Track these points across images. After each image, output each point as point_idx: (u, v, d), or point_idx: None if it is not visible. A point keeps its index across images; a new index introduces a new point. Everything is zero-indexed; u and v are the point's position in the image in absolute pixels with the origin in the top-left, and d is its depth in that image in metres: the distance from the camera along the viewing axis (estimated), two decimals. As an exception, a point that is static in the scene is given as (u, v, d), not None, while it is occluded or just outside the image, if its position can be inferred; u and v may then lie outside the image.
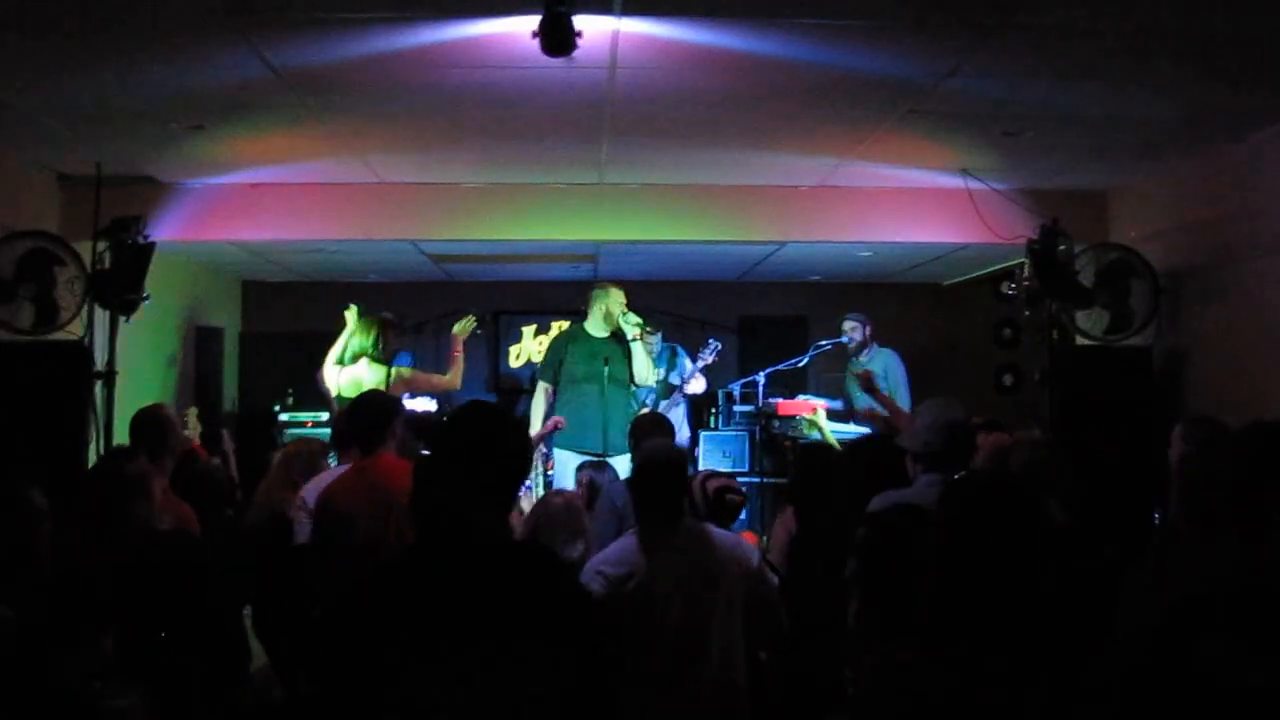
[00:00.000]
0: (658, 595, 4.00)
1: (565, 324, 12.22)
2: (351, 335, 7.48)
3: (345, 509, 4.87)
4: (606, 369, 7.75)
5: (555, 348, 8.23)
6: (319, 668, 2.68)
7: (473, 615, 2.49)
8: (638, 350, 7.86)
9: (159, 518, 4.64)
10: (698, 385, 9.56)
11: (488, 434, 2.70)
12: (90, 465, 6.40)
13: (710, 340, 9.40)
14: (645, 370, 7.95)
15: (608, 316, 7.95)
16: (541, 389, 8.10)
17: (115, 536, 4.25)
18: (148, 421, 5.60)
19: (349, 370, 7.34)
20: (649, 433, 5.72)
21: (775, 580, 4.46)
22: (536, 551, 3.22)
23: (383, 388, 7.16)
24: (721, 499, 5.12)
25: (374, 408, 5.33)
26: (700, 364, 9.33)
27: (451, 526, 2.59)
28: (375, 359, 7.33)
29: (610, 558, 4.12)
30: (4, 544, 3.67)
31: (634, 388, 8.15)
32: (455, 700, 2.41)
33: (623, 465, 6.63)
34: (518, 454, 2.81)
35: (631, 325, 7.81)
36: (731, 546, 4.28)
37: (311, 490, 5.41)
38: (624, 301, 7.99)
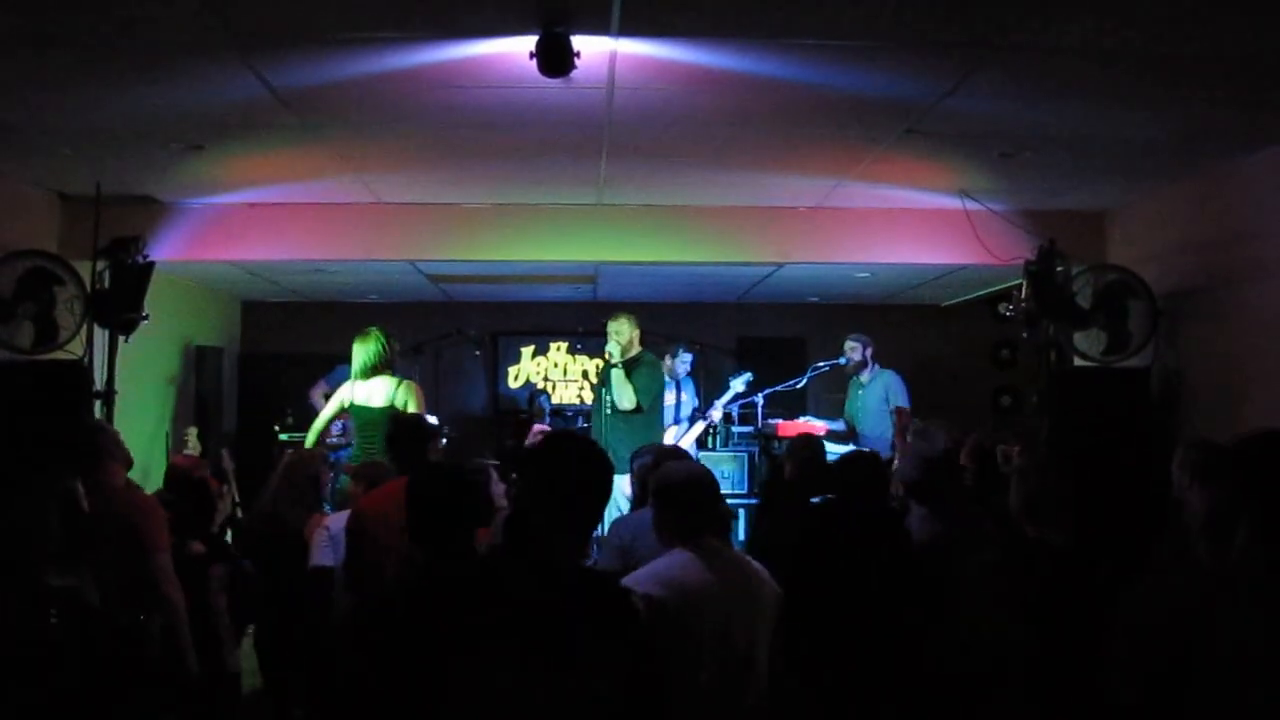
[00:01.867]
0: (712, 612, 3.97)
1: (564, 345, 12.46)
2: (356, 353, 7.48)
3: (382, 525, 4.87)
4: (604, 394, 8.31)
5: None
6: (353, 681, 2.71)
7: (537, 634, 2.55)
8: (614, 376, 8.18)
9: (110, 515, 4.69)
10: (718, 414, 9.65)
11: (586, 466, 2.89)
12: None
13: (742, 371, 9.53)
14: (620, 396, 8.19)
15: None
16: None
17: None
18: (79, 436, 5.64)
19: (361, 384, 7.35)
20: (669, 456, 5.68)
21: None
22: (601, 576, 3.30)
23: (391, 396, 7.19)
24: None
25: (412, 428, 5.42)
26: (731, 393, 9.43)
27: (537, 550, 2.70)
28: (380, 371, 7.34)
29: (653, 573, 4.03)
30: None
31: (633, 413, 8.21)
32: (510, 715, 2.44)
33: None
34: (603, 487, 2.97)
35: (606, 353, 8.24)
36: (763, 572, 4.29)
37: (336, 523, 5.48)
38: (612, 330, 8.35)
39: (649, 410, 8.30)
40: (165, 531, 5.02)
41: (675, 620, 3.84)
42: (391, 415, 6.72)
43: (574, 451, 2.94)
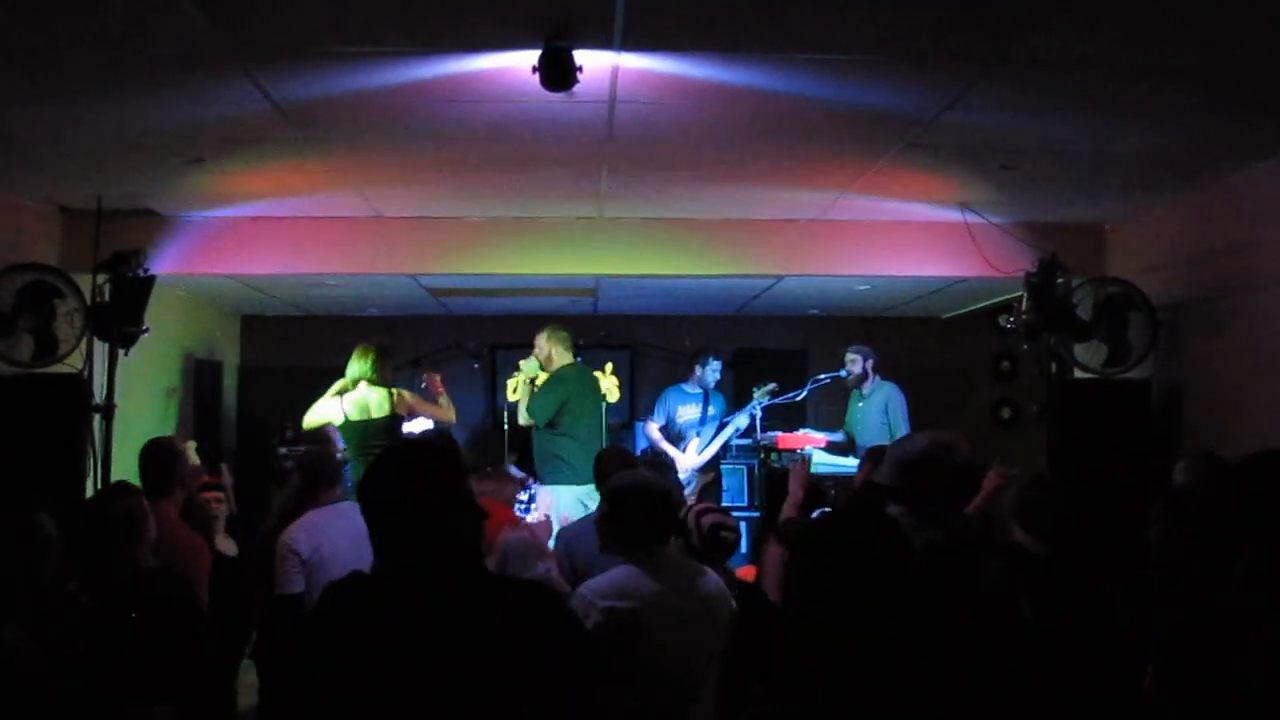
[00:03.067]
0: (657, 627, 3.95)
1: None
2: (350, 364, 7.53)
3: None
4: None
5: None
6: (277, 692, 2.68)
7: (443, 641, 2.49)
8: (521, 391, 8.37)
9: (162, 550, 4.60)
10: (744, 420, 9.73)
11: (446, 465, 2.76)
12: (86, 500, 6.41)
13: (769, 383, 9.59)
14: (522, 411, 8.33)
15: None
16: None
17: (100, 577, 4.21)
18: (148, 456, 5.59)
19: (351, 396, 7.38)
20: (618, 466, 5.67)
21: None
22: (513, 581, 3.21)
23: (386, 407, 7.23)
24: (716, 535, 5.02)
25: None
26: (755, 406, 9.47)
27: (430, 553, 2.61)
28: (374, 382, 7.40)
29: (605, 587, 4.03)
30: (11, 569, 3.64)
31: (548, 428, 8.22)
32: None
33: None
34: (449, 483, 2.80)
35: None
36: (716, 582, 4.26)
37: (304, 542, 5.30)
38: (537, 346, 8.45)
39: (562, 426, 8.21)
40: (205, 578, 5.02)
41: (633, 631, 3.83)
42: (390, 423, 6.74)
43: (402, 461, 2.81)
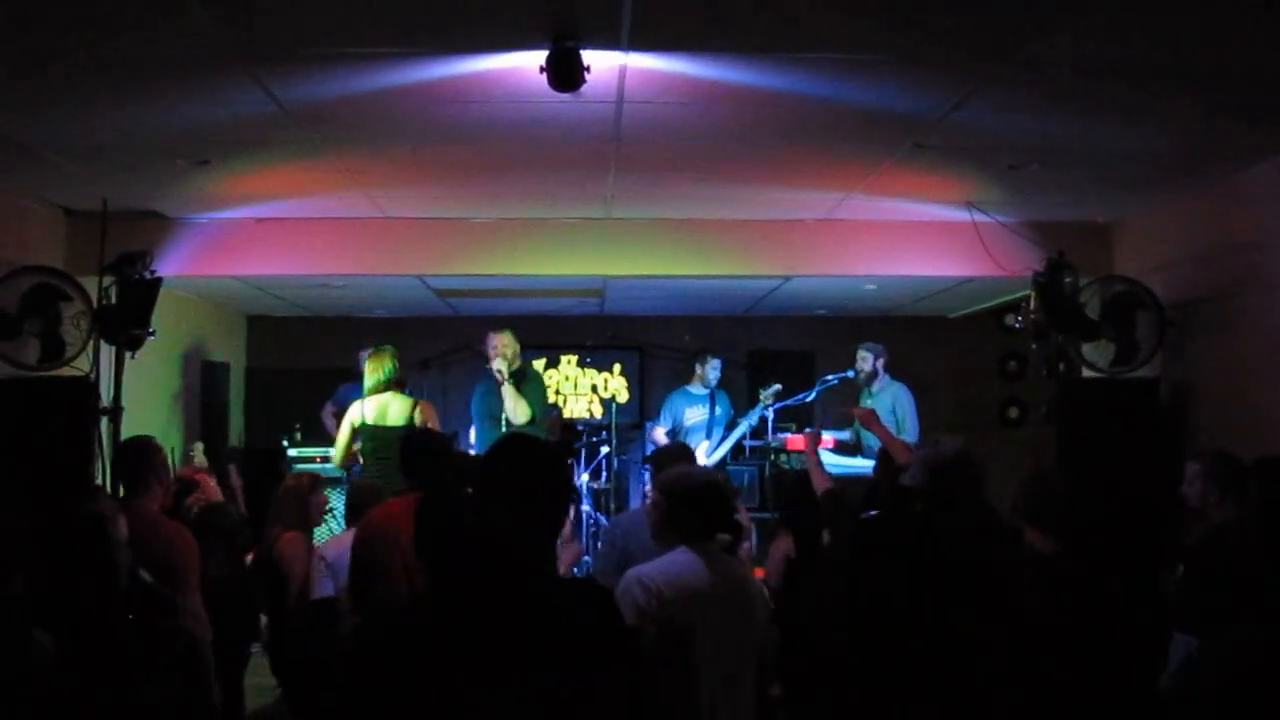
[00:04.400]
0: (711, 612, 3.95)
1: (574, 358, 12.44)
2: (367, 370, 7.50)
3: (392, 543, 4.86)
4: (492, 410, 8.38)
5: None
6: (349, 706, 2.65)
7: (522, 649, 2.48)
8: (505, 392, 8.18)
9: (144, 545, 4.56)
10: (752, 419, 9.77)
11: (532, 466, 2.73)
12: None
13: (770, 384, 9.61)
14: (511, 409, 8.19)
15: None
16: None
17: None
18: (118, 457, 5.60)
19: (373, 400, 7.36)
20: (676, 460, 5.66)
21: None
22: (582, 584, 3.22)
23: (405, 417, 7.21)
24: None
25: (427, 446, 5.41)
26: (762, 409, 9.46)
27: (499, 561, 2.60)
28: (395, 386, 7.37)
29: (667, 570, 3.99)
30: None
31: (527, 425, 8.19)
32: None
33: None
34: (562, 485, 2.88)
35: (495, 372, 8.23)
36: (756, 581, 4.29)
37: (331, 550, 5.53)
38: (495, 346, 8.32)
39: (541, 420, 8.38)
40: (197, 566, 5.00)
41: (673, 614, 3.82)
42: (404, 434, 6.70)
43: (525, 453, 2.81)
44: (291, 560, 5.74)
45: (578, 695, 2.47)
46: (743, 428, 9.68)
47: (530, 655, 2.48)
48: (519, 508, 2.65)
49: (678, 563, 4.01)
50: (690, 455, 6.25)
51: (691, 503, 4.16)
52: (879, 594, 3.59)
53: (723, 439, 9.63)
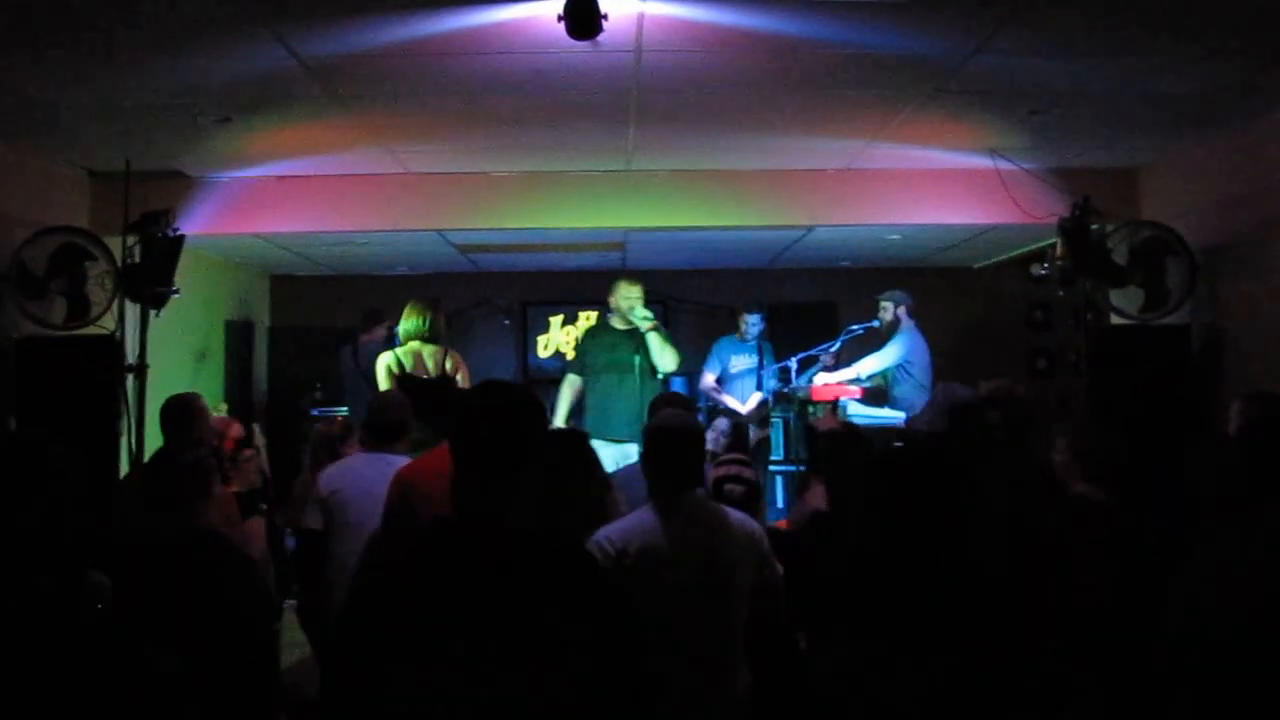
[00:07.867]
0: (665, 565, 3.89)
1: (593, 315, 12.33)
2: (402, 321, 7.43)
3: (426, 500, 4.85)
4: (635, 358, 8.03)
5: (580, 341, 8.69)
6: (334, 653, 2.65)
7: (492, 598, 2.46)
8: (653, 340, 8.03)
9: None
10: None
11: (500, 411, 2.67)
12: (138, 457, 6.57)
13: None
14: (662, 358, 8.05)
15: (618, 310, 8.21)
16: (568, 381, 8.43)
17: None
18: (165, 412, 5.66)
19: (405, 349, 7.32)
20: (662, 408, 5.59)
21: (780, 569, 4.29)
22: (557, 536, 3.16)
23: (436, 364, 7.15)
24: (719, 489, 4.88)
25: (438, 392, 5.39)
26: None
27: (471, 510, 2.58)
28: (428, 339, 7.27)
29: (616, 529, 3.95)
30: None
31: (658, 376, 8.19)
32: (473, 685, 2.38)
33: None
34: (532, 429, 2.73)
35: (639, 319, 8.01)
36: (741, 526, 4.16)
37: (324, 476, 5.41)
38: (636, 295, 8.13)
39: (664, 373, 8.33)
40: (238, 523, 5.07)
41: (635, 575, 3.78)
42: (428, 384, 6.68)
43: (498, 399, 2.70)
44: None
45: (541, 644, 2.44)
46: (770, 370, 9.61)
47: (494, 603, 2.44)
48: (485, 455, 2.61)
49: (637, 521, 3.97)
50: (681, 402, 6.15)
51: (645, 455, 4.12)
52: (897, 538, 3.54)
53: (768, 394, 9.55)
